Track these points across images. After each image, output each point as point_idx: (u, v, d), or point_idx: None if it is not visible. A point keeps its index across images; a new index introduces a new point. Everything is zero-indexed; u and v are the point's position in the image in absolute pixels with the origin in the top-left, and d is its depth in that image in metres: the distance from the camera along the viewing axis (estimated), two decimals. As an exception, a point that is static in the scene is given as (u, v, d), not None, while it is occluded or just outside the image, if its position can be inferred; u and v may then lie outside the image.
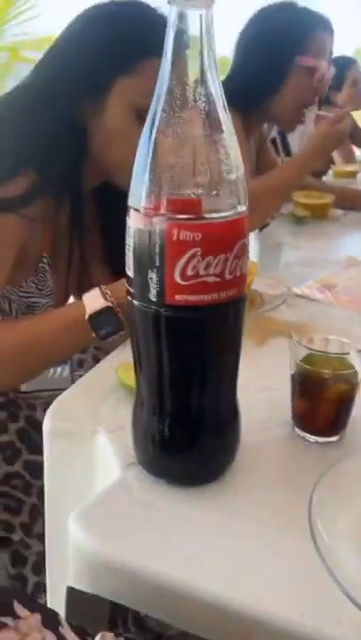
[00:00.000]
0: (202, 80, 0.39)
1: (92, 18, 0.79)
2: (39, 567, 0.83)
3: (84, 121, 0.78)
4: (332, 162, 2.40)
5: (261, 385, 0.64)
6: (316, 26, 1.29)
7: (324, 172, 2.25)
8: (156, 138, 0.39)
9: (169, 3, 0.38)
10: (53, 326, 0.75)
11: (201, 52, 0.39)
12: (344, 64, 2.30)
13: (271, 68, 1.26)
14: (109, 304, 0.71)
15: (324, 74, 1.27)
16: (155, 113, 0.39)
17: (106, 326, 0.72)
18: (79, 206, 0.84)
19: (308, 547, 0.42)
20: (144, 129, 0.40)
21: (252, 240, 1.49)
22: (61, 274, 0.90)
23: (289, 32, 1.26)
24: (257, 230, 1.63)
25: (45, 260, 0.85)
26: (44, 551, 0.80)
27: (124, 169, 0.82)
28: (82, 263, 0.93)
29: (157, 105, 0.39)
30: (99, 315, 0.71)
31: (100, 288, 0.73)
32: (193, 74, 0.39)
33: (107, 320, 0.72)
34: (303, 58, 1.26)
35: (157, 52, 0.79)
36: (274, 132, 1.93)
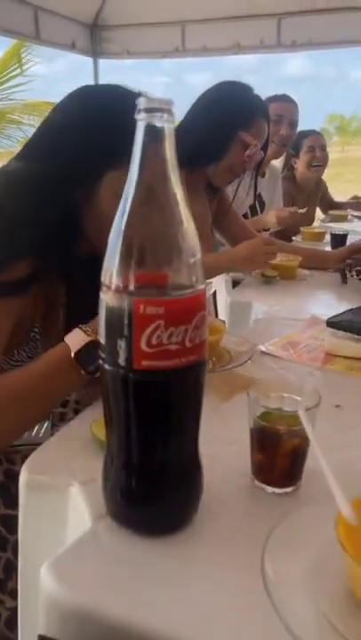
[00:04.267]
0: (165, 179, 0.45)
1: (76, 113, 0.84)
2: (12, 624, 0.82)
3: (78, 206, 0.83)
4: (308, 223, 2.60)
5: (226, 438, 0.68)
6: (262, 113, 1.48)
7: (294, 234, 2.38)
8: (125, 227, 0.45)
9: (136, 118, 0.45)
10: (43, 370, 0.76)
11: (165, 156, 0.45)
12: (304, 135, 2.56)
13: (218, 137, 1.44)
14: (92, 338, 0.73)
15: (255, 153, 1.45)
16: (125, 204, 0.45)
17: (92, 361, 0.73)
18: (73, 277, 0.87)
19: (260, 592, 0.45)
20: (115, 218, 0.46)
21: (224, 297, 1.56)
22: (52, 340, 0.93)
23: (241, 110, 1.45)
24: (231, 287, 1.72)
25: (37, 329, 0.89)
26: (17, 607, 0.80)
27: None
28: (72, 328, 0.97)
29: (127, 198, 0.45)
30: (83, 351, 0.74)
31: (80, 327, 0.76)
32: (157, 174, 0.45)
33: (92, 355, 0.73)
34: (245, 134, 1.41)
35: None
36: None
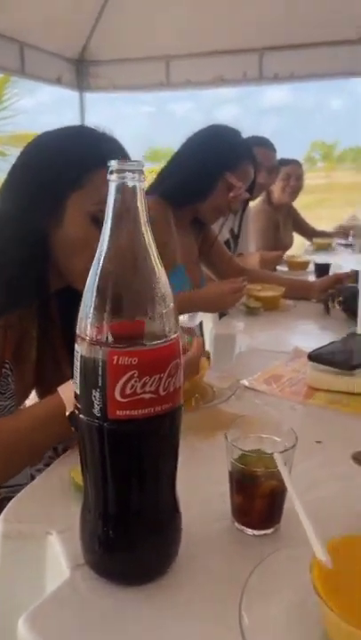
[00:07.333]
0: (137, 234, 0.47)
1: (40, 147, 0.90)
2: None
3: (47, 234, 0.86)
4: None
5: (208, 479, 0.69)
6: (248, 158, 1.55)
7: (277, 263, 2.42)
8: (99, 280, 0.47)
9: (108, 179, 0.47)
10: (34, 424, 0.77)
11: (137, 213, 0.47)
12: (284, 163, 2.70)
13: (204, 176, 1.50)
14: None
15: (240, 194, 1.52)
16: (99, 260, 0.47)
17: None
18: (47, 310, 0.90)
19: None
20: (90, 273, 0.48)
21: (211, 329, 1.58)
22: (25, 374, 0.94)
23: (228, 152, 1.51)
24: (217, 318, 1.75)
25: (7, 366, 0.89)
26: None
27: (84, 275, 0.90)
28: (47, 361, 0.98)
29: (100, 253, 0.47)
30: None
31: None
32: (130, 230, 0.47)
33: None
34: (231, 175, 1.47)
35: (100, 163, 0.91)
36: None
